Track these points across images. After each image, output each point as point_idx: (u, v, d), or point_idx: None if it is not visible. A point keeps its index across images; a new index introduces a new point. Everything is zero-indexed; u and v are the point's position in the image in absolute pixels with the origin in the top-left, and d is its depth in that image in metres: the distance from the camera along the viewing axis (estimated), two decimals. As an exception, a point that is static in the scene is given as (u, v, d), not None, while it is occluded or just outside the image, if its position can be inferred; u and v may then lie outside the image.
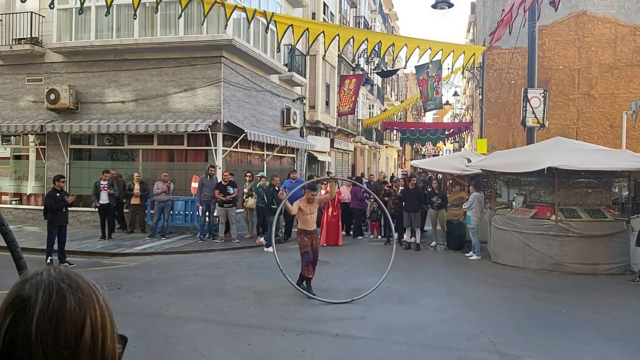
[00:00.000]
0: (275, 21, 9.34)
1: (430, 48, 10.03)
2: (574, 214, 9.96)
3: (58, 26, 14.11)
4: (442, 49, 10.26)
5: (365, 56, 23.84)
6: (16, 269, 2.55)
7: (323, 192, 13.42)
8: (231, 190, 12.31)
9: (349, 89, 18.44)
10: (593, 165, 9.50)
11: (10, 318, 0.85)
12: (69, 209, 10.17)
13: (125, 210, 13.55)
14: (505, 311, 6.98)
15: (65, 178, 10.37)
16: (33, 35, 14.38)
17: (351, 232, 14.33)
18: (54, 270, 0.91)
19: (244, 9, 9.13)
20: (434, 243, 12.87)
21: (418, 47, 9.72)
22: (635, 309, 7.22)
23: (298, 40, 9.96)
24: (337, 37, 9.44)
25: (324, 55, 9.93)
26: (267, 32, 13.08)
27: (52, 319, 0.84)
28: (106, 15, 10.58)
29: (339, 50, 13.67)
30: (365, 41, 10.01)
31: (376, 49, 10.74)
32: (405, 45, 9.71)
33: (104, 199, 12.21)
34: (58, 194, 9.73)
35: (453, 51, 10.20)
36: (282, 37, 9.66)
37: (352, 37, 9.57)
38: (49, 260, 9.45)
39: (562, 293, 8.09)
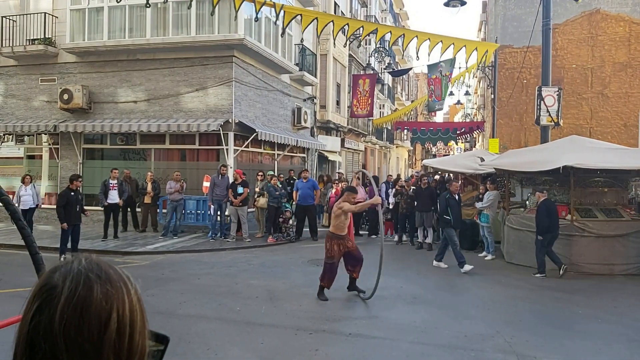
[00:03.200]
0: (284, 11, 9.34)
1: (441, 41, 9.93)
2: (590, 213, 9.82)
3: (71, 27, 14.22)
4: (453, 44, 10.16)
5: (375, 55, 23.73)
6: (33, 264, 2.54)
7: (334, 190, 13.40)
8: (241, 189, 12.28)
9: (364, 90, 18.32)
10: (610, 164, 9.35)
11: (37, 305, 0.82)
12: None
13: (137, 210, 13.61)
14: (521, 311, 6.89)
15: (81, 178, 10.37)
16: (46, 36, 14.50)
17: (361, 233, 14.21)
18: (85, 260, 0.88)
19: (253, 0, 9.13)
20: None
21: (429, 39, 9.62)
22: (654, 310, 7.09)
23: (306, 27, 9.95)
24: (346, 26, 9.41)
25: (334, 42, 9.93)
26: (276, 24, 13.06)
27: (77, 309, 0.81)
28: (118, 2, 10.57)
29: (346, 40, 13.53)
30: (375, 31, 9.94)
31: (386, 46, 10.69)
32: (416, 37, 9.63)
33: (112, 198, 12.17)
34: (72, 193, 9.79)
35: (465, 46, 10.10)
36: (289, 23, 9.67)
37: (362, 27, 9.53)
38: (62, 259, 9.50)
39: (578, 294, 7.97)
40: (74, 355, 0.80)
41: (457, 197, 9.98)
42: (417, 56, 10.45)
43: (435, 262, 9.86)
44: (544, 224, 9.01)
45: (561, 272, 8.93)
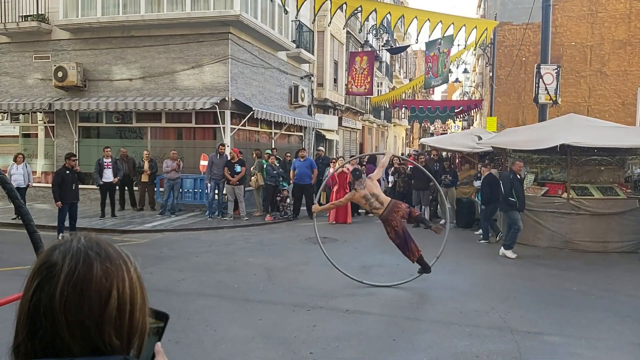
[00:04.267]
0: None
1: (441, 21, 9.86)
2: (586, 191, 9.87)
3: (64, 2, 13.97)
4: (453, 23, 10.09)
5: (373, 32, 23.46)
6: (31, 243, 2.55)
7: (331, 169, 13.40)
8: (238, 168, 12.27)
9: (361, 67, 18.07)
10: (607, 142, 9.37)
11: (37, 283, 0.83)
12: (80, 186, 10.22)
13: (134, 188, 13.60)
14: (516, 288, 6.97)
15: (76, 157, 10.34)
16: (39, 12, 14.26)
17: (359, 211, 14.24)
18: (85, 238, 0.89)
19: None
20: (443, 221, 12.83)
21: (429, 19, 9.54)
22: (647, 287, 7.18)
23: (302, 4, 9.82)
24: (344, 5, 9.30)
25: (330, 22, 9.79)
26: (272, 1, 12.87)
27: (77, 286, 0.82)
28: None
29: (345, 16, 13.35)
30: (374, 12, 9.83)
31: (385, 23, 10.58)
32: (416, 17, 9.54)
33: (107, 176, 12.15)
34: (68, 172, 9.77)
35: (465, 25, 10.02)
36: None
37: (360, 6, 9.41)
38: (60, 237, 9.54)
39: (572, 271, 8.07)
40: (75, 332, 0.81)
41: (519, 178, 9.21)
42: (417, 40, 10.41)
43: (501, 251, 8.94)
44: (486, 195, 10.00)
45: (497, 238, 10.19)
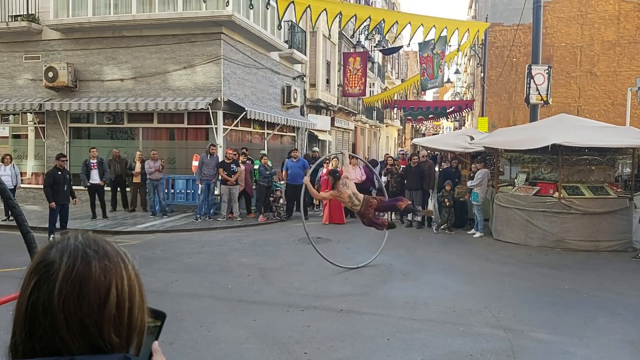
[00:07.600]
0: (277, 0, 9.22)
1: (434, 25, 9.91)
2: (577, 191, 9.94)
3: (55, 2, 13.87)
4: (446, 26, 10.15)
5: (366, 33, 23.49)
6: (24, 243, 2.53)
7: (325, 170, 13.39)
8: (235, 168, 12.23)
9: (354, 68, 18.04)
10: (598, 142, 9.45)
11: (34, 282, 0.82)
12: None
13: (127, 189, 13.52)
14: (508, 287, 7.01)
15: (66, 157, 10.26)
16: (29, 12, 14.14)
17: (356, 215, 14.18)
18: (82, 236, 0.88)
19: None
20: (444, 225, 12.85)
21: (422, 24, 9.59)
22: (638, 285, 7.25)
23: (300, 18, 9.82)
24: (339, 14, 9.31)
25: (329, 36, 9.88)
26: (267, 9, 12.87)
27: (76, 284, 0.81)
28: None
29: (340, 27, 13.42)
30: (368, 19, 9.86)
31: (379, 27, 10.61)
32: (409, 22, 9.58)
33: (94, 178, 12.03)
34: (59, 173, 9.69)
35: (457, 28, 10.08)
36: (284, 14, 9.52)
37: (355, 15, 9.42)
38: (51, 238, 9.45)
39: (564, 270, 8.12)
40: (74, 331, 0.80)
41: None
42: (409, 44, 10.44)
43: None
44: (440, 186, 11.91)
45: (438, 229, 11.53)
